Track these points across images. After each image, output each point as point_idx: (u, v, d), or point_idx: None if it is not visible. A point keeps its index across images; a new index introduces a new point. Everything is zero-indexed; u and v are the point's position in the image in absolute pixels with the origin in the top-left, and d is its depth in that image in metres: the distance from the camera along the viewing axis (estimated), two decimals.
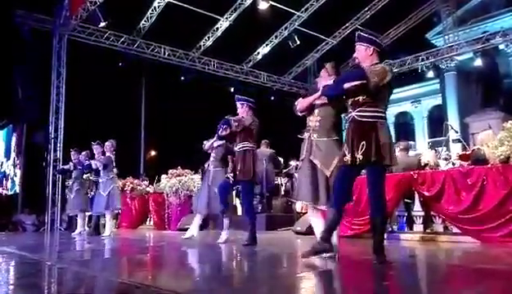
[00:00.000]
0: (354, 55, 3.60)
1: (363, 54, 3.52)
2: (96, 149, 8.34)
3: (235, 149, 5.46)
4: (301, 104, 4.00)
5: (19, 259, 4.66)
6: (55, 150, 11.24)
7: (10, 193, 13.93)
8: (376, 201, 3.40)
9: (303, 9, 13.92)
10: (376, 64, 3.45)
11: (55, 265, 4.06)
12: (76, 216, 9.07)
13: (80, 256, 5.13)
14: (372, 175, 3.40)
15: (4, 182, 14.47)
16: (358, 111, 3.40)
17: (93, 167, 8.22)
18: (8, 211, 12.57)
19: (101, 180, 8.14)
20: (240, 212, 8.53)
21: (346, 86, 3.41)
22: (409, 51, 15.49)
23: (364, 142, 3.30)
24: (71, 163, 9.10)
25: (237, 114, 5.49)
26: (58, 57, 11.95)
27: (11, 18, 11.38)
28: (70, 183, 9.07)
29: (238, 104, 5.55)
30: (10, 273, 3.69)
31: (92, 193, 8.71)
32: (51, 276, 3.54)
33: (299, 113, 4.08)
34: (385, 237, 3.14)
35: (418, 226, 5.83)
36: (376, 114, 3.38)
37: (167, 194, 9.84)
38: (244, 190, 5.46)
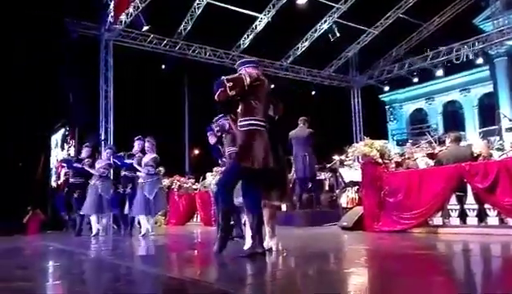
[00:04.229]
0: None
1: None
2: (138, 144, 7.69)
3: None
4: None
5: (75, 256, 4.92)
6: None
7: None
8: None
9: (342, 1, 13.69)
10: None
11: (111, 261, 4.26)
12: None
13: (131, 253, 5.33)
14: None
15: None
16: (239, 121, 3.80)
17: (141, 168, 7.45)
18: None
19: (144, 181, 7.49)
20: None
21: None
22: (456, 38, 14.82)
23: None
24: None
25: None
26: (105, 62, 12.45)
27: (62, 26, 11.97)
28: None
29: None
30: (66, 267, 3.92)
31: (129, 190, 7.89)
32: (105, 272, 3.71)
33: None
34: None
35: (471, 219, 5.60)
36: (248, 123, 3.72)
37: (212, 191, 10.00)
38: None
